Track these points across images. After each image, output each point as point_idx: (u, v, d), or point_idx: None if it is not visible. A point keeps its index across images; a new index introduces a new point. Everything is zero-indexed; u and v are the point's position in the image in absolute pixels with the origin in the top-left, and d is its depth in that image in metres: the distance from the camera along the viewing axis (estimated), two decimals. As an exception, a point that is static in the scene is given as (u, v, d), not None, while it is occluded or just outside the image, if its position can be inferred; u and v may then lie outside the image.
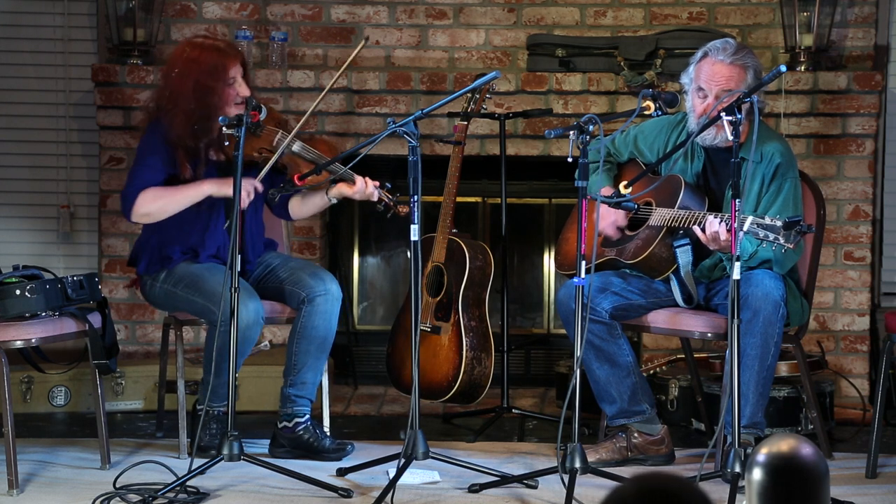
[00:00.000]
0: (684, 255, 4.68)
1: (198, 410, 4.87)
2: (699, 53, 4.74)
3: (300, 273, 4.97)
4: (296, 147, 4.91)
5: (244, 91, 4.90)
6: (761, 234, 4.27)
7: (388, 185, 4.98)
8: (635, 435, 4.83)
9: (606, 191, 4.77)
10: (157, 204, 4.85)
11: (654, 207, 4.75)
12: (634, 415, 4.82)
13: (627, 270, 4.86)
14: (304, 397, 4.93)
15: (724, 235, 4.42)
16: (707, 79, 4.68)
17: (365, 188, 4.91)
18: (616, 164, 5.04)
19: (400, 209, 4.96)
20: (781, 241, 4.24)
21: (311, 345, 4.90)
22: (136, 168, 4.93)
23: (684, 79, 4.78)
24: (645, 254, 4.72)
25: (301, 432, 4.90)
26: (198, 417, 4.71)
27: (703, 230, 4.50)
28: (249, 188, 4.81)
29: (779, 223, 4.25)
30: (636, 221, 4.83)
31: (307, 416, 4.93)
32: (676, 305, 4.81)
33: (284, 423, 4.93)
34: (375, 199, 4.94)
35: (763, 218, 4.29)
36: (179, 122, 4.84)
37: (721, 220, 4.45)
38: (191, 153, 4.87)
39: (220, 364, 4.70)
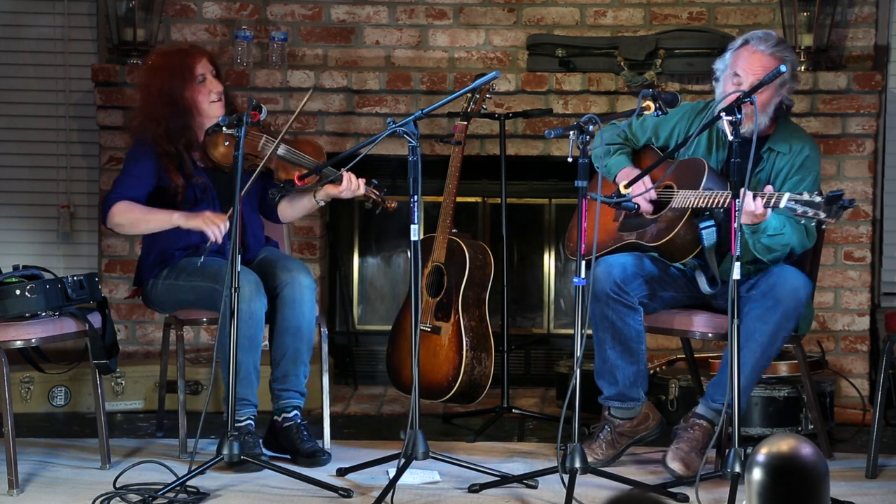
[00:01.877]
0: (710, 237, 4.64)
1: (229, 430, 4.59)
2: (739, 41, 4.74)
3: (271, 268, 4.93)
4: (281, 151, 4.93)
5: (216, 87, 4.99)
6: (800, 209, 4.21)
7: (375, 181, 4.99)
8: (618, 423, 4.82)
9: (626, 173, 4.77)
10: (128, 217, 4.91)
11: (675, 191, 4.71)
12: (629, 400, 4.80)
13: (655, 254, 4.81)
14: (288, 390, 4.90)
15: (759, 210, 4.35)
16: (745, 66, 4.67)
17: (351, 185, 4.91)
18: (632, 150, 5.02)
19: (388, 204, 4.98)
20: (822, 215, 4.18)
21: (284, 337, 4.89)
22: (120, 177, 5.00)
23: (719, 65, 4.77)
24: (669, 236, 4.67)
25: (288, 427, 4.89)
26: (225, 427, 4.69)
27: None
28: (218, 225, 4.79)
29: (818, 198, 4.18)
30: (656, 204, 4.78)
31: (294, 413, 4.90)
32: (697, 301, 4.79)
33: (275, 418, 4.94)
34: (362, 193, 4.95)
35: (801, 194, 4.24)
36: (153, 129, 4.93)
37: (756, 196, 4.35)
38: (174, 159, 4.94)
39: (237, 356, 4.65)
